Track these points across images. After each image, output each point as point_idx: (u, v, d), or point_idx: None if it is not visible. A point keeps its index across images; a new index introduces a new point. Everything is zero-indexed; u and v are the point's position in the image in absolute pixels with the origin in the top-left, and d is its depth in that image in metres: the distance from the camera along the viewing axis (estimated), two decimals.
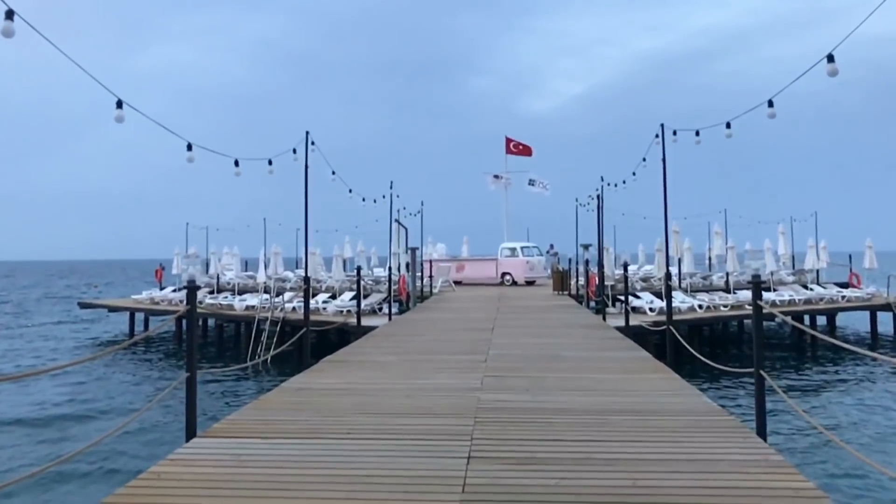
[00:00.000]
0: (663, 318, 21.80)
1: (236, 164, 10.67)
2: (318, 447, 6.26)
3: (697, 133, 11.27)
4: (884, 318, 28.88)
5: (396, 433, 6.66)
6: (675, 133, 11.92)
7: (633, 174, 16.70)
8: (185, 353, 7.43)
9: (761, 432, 6.59)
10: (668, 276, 12.82)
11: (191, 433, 6.75)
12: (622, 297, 24.01)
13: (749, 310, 24.71)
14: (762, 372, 6.61)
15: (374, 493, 5.07)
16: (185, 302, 7.05)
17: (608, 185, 21.48)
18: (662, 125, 12.15)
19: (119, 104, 7.42)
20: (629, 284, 25.77)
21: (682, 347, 12.70)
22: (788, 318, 8.30)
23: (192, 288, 6.92)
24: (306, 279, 12.75)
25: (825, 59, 6.98)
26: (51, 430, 13.70)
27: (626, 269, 17.25)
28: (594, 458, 5.85)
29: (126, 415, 11.90)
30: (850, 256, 34.61)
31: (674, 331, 11.73)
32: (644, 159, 14.63)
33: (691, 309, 24.02)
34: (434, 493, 5.08)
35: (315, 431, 6.78)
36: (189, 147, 9.21)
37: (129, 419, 6.51)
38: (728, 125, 10.14)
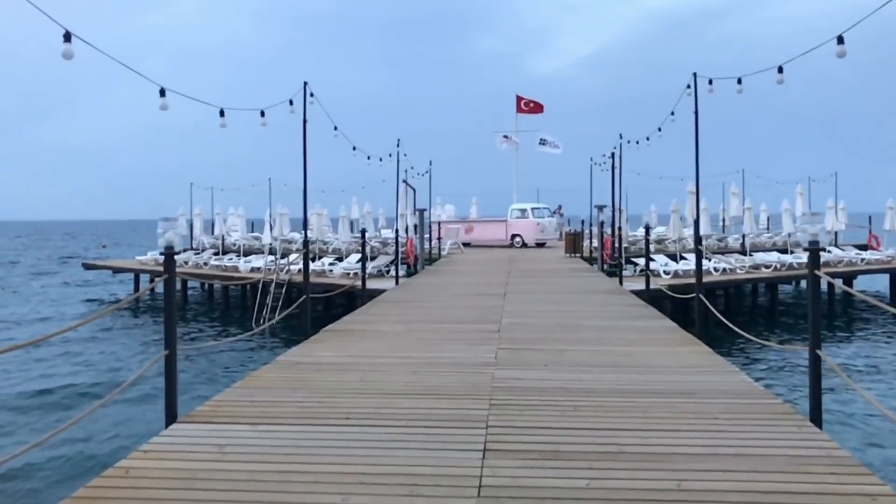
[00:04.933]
0: (678, 281, 21.06)
1: (221, 114, 9.83)
2: (311, 435, 5.51)
3: (739, 81, 10.27)
4: None
5: (401, 418, 5.90)
6: (710, 82, 10.90)
7: (659, 129, 15.70)
8: (167, 325, 6.64)
9: (816, 419, 5.80)
10: (699, 239, 11.93)
11: (171, 417, 6.02)
12: (634, 260, 23.22)
13: (766, 272, 24.31)
14: (819, 351, 5.79)
15: (374, 497, 4.32)
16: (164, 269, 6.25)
17: (627, 142, 20.44)
18: (695, 74, 11.13)
19: (67, 37, 6.52)
20: (641, 247, 24.95)
21: (700, 315, 11.87)
22: (853, 290, 7.41)
23: (169, 254, 6.13)
24: (305, 243, 11.94)
25: None
26: (17, 412, 12.60)
27: (647, 232, 16.35)
28: (627, 451, 5.09)
29: (110, 390, 11.11)
30: (869, 218, 33.57)
31: (704, 299, 10.89)
32: (672, 113, 13.66)
33: (707, 272, 23.14)
34: (445, 497, 4.33)
35: (309, 416, 6.03)
36: (162, 93, 8.37)
37: (93, 407, 5.77)
38: (780, 69, 9.16)
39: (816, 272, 5.79)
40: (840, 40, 7.51)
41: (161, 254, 6.26)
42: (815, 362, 5.85)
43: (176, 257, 22.21)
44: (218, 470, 4.81)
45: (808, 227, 5.67)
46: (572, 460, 4.91)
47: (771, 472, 4.66)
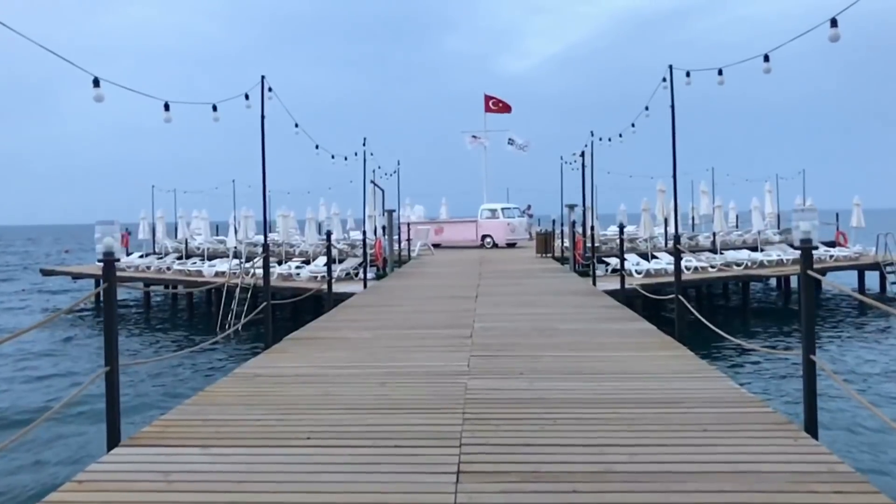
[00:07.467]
0: (650, 280, 20.82)
1: (166, 107, 9.26)
2: (268, 459, 5.01)
3: (720, 72, 9.95)
4: (871, 277, 28.14)
5: (367, 438, 5.41)
6: (688, 74, 10.57)
7: (633, 125, 15.38)
8: (113, 339, 6.08)
9: (812, 429, 5.44)
10: (677, 239, 11.59)
11: (113, 441, 5.48)
12: (606, 259, 22.94)
13: (737, 270, 24.19)
14: (814, 356, 5.42)
15: None
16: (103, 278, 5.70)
17: (599, 139, 20.13)
18: (671, 67, 10.79)
19: None
20: (612, 246, 24.70)
21: (679, 316, 11.53)
22: (847, 288, 7.08)
23: (108, 261, 5.59)
24: (265, 247, 11.40)
25: None
26: None
27: (621, 231, 16.03)
28: (614, 470, 4.67)
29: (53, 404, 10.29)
30: (836, 215, 33.78)
31: (683, 300, 10.54)
32: (647, 108, 13.35)
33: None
34: None
35: (267, 436, 5.52)
36: (96, 83, 7.79)
37: (17, 436, 5.21)
38: (766, 58, 8.83)
39: (810, 271, 5.42)
40: (833, 23, 7.17)
41: (99, 261, 5.71)
42: (810, 368, 5.48)
43: (136, 262, 21.24)
44: (162, 501, 4.30)
45: (802, 222, 5.28)
46: (554, 482, 4.48)
47: (771, 491, 4.27)
